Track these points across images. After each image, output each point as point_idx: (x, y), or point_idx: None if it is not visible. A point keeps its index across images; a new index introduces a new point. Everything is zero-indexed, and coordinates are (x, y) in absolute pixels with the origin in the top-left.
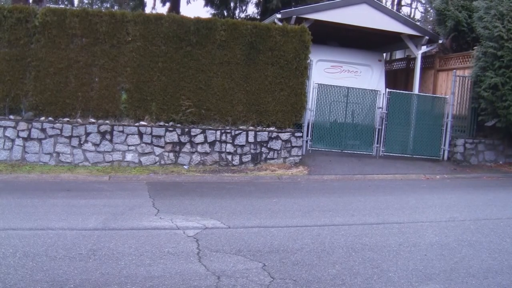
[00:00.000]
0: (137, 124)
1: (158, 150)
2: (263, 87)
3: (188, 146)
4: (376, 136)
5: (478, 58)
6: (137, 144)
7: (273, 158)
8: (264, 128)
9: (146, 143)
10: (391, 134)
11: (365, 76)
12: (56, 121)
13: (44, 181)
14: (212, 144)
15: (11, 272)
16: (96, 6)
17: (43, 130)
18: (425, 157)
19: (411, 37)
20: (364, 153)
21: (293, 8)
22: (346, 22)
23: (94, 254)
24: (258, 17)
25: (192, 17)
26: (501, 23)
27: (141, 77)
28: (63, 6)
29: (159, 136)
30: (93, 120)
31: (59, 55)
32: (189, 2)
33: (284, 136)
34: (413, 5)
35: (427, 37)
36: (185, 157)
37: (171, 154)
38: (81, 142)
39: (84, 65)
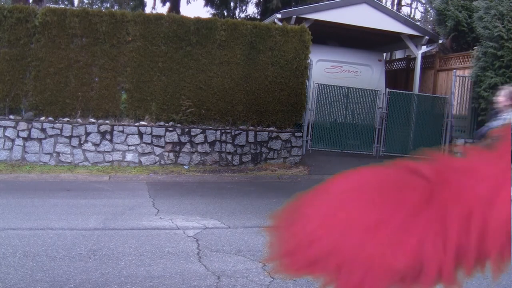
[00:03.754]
0: (137, 124)
1: (158, 150)
2: (263, 87)
3: (188, 146)
4: (376, 136)
5: (478, 58)
6: (137, 144)
7: (273, 158)
8: (264, 128)
9: (146, 143)
10: (391, 134)
11: (365, 76)
12: (56, 121)
13: (44, 181)
14: (212, 144)
15: (11, 272)
16: (96, 6)
17: (43, 130)
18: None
19: (411, 37)
20: (364, 153)
21: (293, 8)
22: (346, 22)
23: (94, 254)
24: (258, 17)
25: (192, 17)
26: (501, 23)
27: (141, 77)
28: (63, 6)
29: (159, 136)
30: (93, 120)
31: (59, 55)
32: (189, 2)
33: (284, 136)
34: (413, 5)
35: (427, 37)
36: (185, 157)
37: (171, 154)
38: (81, 142)
39: (84, 65)
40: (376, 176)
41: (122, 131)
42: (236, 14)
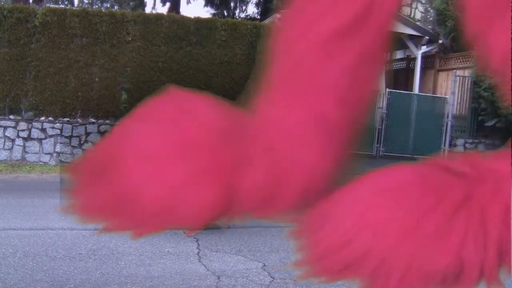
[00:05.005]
0: None
1: None
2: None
3: None
4: (376, 136)
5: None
6: None
7: None
8: None
9: None
10: (391, 134)
11: None
12: (56, 121)
13: (44, 181)
14: None
15: (11, 272)
16: (96, 6)
17: (43, 130)
18: (426, 157)
19: (411, 37)
20: (364, 153)
21: None
22: None
23: (94, 254)
24: (258, 17)
25: (192, 17)
26: None
27: (141, 77)
28: (63, 6)
29: None
30: (93, 120)
31: (59, 55)
32: (189, 2)
33: None
34: (413, 5)
35: (427, 37)
36: None
37: None
38: (81, 142)
39: (84, 65)
40: (411, 174)
41: None
42: (236, 14)
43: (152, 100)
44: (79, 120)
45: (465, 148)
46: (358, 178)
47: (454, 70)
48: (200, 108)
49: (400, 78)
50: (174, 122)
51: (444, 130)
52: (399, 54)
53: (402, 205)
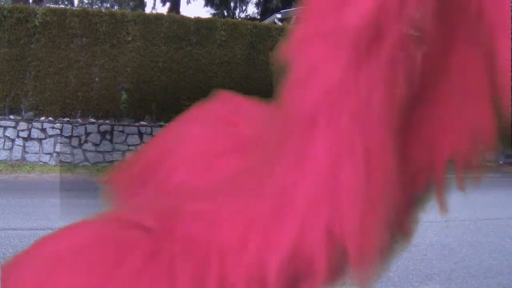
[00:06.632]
0: (137, 124)
1: None
2: (263, 87)
3: None
4: None
5: None
6: (137, 144)
7: None
8: None
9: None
10: None
11: None
12: (56, 121)
13: (44, 181)
14: None
15: None
16: (96, 6)
17: (43, 130)
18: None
19: None
20: None
21: (293, 8)
22: None
23: None
24: (258, 17)
25: (192, 17)
26: None
27: (141, 77)
28: (63, 6)
29: None
30: (93, 120)
31: (59, 55)
32: (189, 2)
33: None
34: None
35: None
36: None
37: None
38: (81, 142)
39: (84, 65)
40: (92, 233)
41: (122, 131)
42: (236, 14)
43: (201, 103)
44: (79, 120)
45: None
46: (37, 241)
47: None
48: (251, 107)
49: None
50: (224, 120)
51: None
52: None
53: (83, 268)
